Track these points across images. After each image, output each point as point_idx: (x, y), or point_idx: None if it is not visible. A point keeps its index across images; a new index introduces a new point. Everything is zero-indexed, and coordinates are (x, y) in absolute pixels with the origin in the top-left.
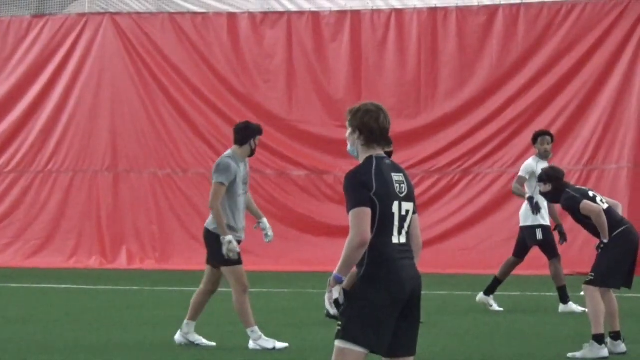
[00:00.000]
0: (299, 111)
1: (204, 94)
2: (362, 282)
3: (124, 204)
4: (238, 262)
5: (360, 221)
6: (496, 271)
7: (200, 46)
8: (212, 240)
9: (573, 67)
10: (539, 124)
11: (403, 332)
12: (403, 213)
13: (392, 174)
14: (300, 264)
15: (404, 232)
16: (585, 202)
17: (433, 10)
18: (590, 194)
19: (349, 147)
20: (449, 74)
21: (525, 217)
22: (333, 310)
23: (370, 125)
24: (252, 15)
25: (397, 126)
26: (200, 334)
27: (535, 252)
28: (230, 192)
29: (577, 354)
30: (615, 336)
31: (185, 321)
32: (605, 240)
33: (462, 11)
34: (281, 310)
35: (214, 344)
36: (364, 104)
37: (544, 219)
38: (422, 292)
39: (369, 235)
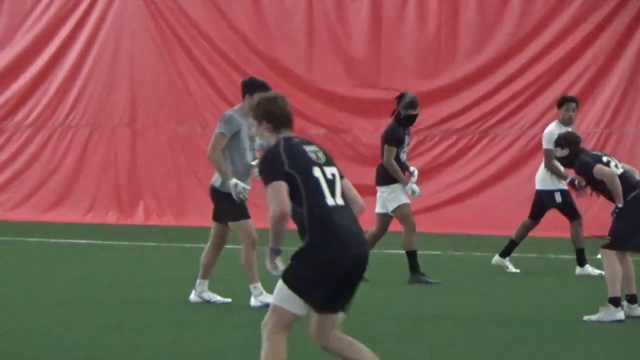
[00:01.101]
0: (318, 70)
1: (224, 51)
2: (307, 247)
3: (142, 160)
4: (245, 216)
5: (276, 193)
6: (512, 233)
7: (221, 3)
8: (219, 197)
9: (592, 30)
10: (558, 86)
11: (339, 291)
12: (329, 177)
13: (304, 146)
14: None
15: (337, 194)
16: (598, 166)
17: None
18: (604, 159)
19: (257, 140)
20: (469, 35)
21: (542, 180)
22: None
23: (274, 112)
24: None
25: (416, 87)
26: (214, 291)
27: (552, 214)
28: (234, 145)
29: (593, 317)
30: (632, 299)
31: (198, 280)
32: (620, 205)
33: None
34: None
35: (229, 300)
36: (263, 94)
37: (563, 183)
38: (439, 252)
39: (288, 205)
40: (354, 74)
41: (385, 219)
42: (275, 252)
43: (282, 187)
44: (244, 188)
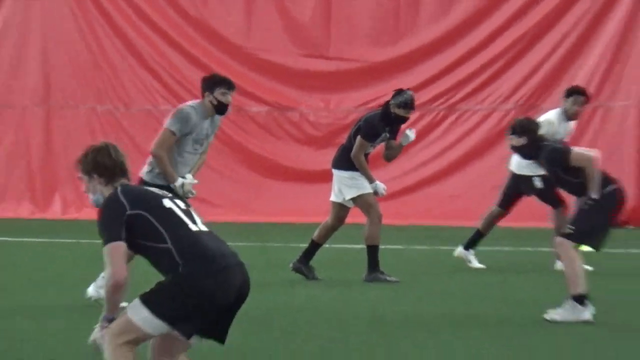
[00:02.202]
0: (259, 38)
1: (151, 17)
2: (182, 279)
3: (57, 145)
4: None
5: (112, 258)
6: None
7: None
8: None
9: None
10: (534, 56)
11: (218, 321)
12: (182, 207)
13: (145, 188)
14: (261, 215)
15: (198, 222)
16: (576, 150)
17: None
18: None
19: (91, 197)
20: None
21: (519, 164)
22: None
23: (105, 163)
24: None
25: (372, 55)
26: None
27: (529, 202)
28: (179, 144)
29: (556, 316)
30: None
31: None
32: (595, 196)
33: None
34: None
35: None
36: (91, 146)
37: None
38: (400, 246)
39: (124, 273)
40: (300, 42)
41: (341, 209)
42: (110, 322)
43: (118, 250)
44: (189, 186)
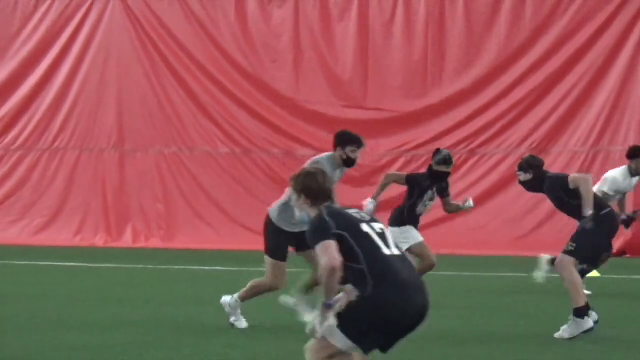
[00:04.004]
0: (306, 91)
1: (211, 72)
2: (371, 299)
3: (130, 183)
4: (282, 257)
5: (326, 251)
6: (502, 252)
7: (208, 24)
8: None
9: (580, 48)
10: (545, 106)
11: (395, 339)
12: (378, 231)
13: (345, 210)
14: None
15: (391, 245)
16: (574, 175)
17: None
18: None
19: (297, 213)
20: (456, 55)
21: None
22: (321, 334)
23: (312, 187)
24: None
25: (403, 106)
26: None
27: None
28: None
29: (565, 335)
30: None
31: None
32: (589, 212)
33: None
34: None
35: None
36: (304, 168)
37: None
38: (431, 272)
39: (338, 260)
40: (341, 95)
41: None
42: (328, 307)
43: (330, 245)
44: None
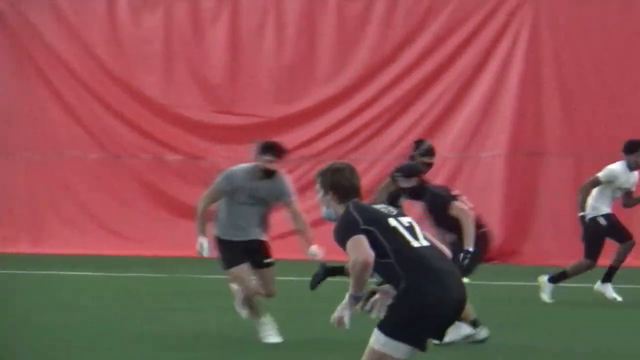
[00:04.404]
0: (175, 96)
1: (82, 77)
2: (404, 294)
3: None
4: (240, 261)
5: (356, 244)
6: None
7: (78, 27)
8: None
9: (451, 53)
10: (416, 111)
11: (437, 330)
12: (406, 224)
13: (373, 205)
14: (173, 249)
15: (420, 237)
16: (458, 206)
17: None
18: (454, 192)
19: (324, 211)
20: (326, 61)
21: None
22: (347, 327)
23: (341, 183)
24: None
25: (274, 111)
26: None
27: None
28: (230, 200)
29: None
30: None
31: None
32: (471, 249)
33: None
34: (153, 294)
35: None
36: (332, 163)
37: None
38: (284, 278)
39: (370, 254)
40: (212, 100)
41: None
42: (355, 299)
43: (361, 239)
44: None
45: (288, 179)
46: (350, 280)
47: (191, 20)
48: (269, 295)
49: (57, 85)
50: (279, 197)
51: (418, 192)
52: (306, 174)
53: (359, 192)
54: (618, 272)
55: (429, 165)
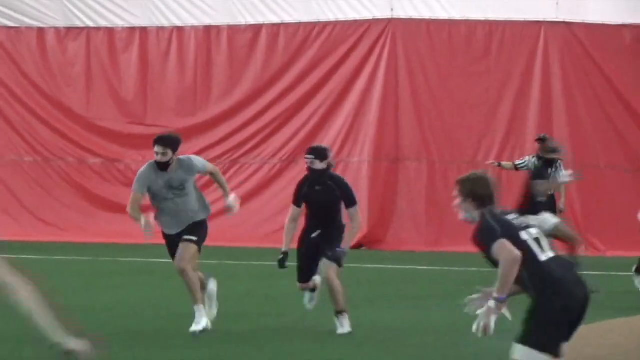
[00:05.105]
0: (95, 110)
1: (17, 94)
2: (538, 305)
3: None
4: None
5: (503, 247)
6: (259, 244)
7: (14, 54)
8: None
9: (325, 75)
10: (296, 123)
11: (570, 334)
12: (534, 236)
13: (505, 216)
14: (94, 236)
15: (545, 249)
16: (353, 209)
17: (207, 28)
18: None
19: (462, 214)
20: (221, 82)
21: None
22: (491, 331)
23: (480, 192)
24: (57, 30)
25: (177, 123)
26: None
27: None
28: (154, 199)
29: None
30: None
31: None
32: (348, 247)
33: (232, 29)
34: (76, 274)
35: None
36: (473, 173)
37: None
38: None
39: (518, 253)
40: (125, 113)
41: None
42: (502, 301)
43: (505, 242)
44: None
45: (192, 158)
46: (496, 283)
47: (108, 47)
48: (177, 269)
49: None
50: (189, 173)
51: (325, 174)
52: (203, 176)
53: (494, 200)
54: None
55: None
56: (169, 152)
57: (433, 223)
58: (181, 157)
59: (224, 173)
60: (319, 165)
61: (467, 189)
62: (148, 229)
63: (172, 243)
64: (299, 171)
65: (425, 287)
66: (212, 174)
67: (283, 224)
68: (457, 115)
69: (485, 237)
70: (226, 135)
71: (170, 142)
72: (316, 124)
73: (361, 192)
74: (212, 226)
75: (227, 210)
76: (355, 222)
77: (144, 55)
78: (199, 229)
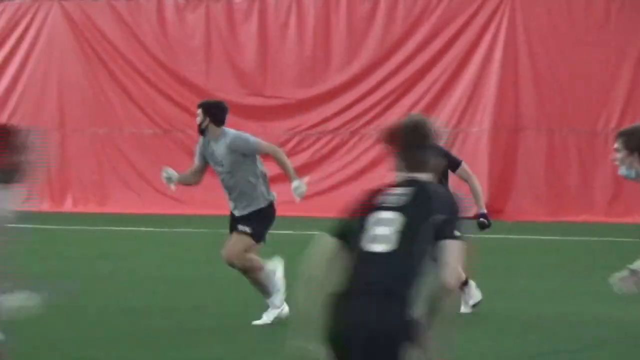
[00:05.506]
0: (215, 81)
1: (137, 66)
2: None
3: (70, 158)
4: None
5: None
6: None
7: (134, 27)
8: None
9: (444, 45)
10: (415, 94)
11: None
12: None
13: None
14: (217, 208)
15: None
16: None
17: None
18: None
19: (623, 170)
20: (340, 52)
21: None
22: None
23: None
24: (176, 2)
25: (296, 94)
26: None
27: None
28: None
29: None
30: None
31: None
32: None
33: None
34: (189, 247)
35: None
36: (637, 125)
37: None
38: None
39: None
40: (245, 84)
41: None
42: None
43: None
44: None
45: (239, 135)
46: None
47: (226, 18)
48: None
49: (117, 74)
50: (232, 151)
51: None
52: (323, 147)
53: None
54: None
55: None
56: (203, 115)
57: (553, 192)
58: (229, 131)
59: (344, 144)
60: None
61: (633, 142)
62: (169, 181)
63: (231, 222)
64: None
65: (548, 256)
66: (271, 154)
67: None
68: (576, 84)
69: None
70: (346, 106)
71: (207, 106)
72: (435, 94)
73: (481, 162)
74: (325, 200)
75: (295, 194)
76: None
77: (262, 26)
78: (254, 219)
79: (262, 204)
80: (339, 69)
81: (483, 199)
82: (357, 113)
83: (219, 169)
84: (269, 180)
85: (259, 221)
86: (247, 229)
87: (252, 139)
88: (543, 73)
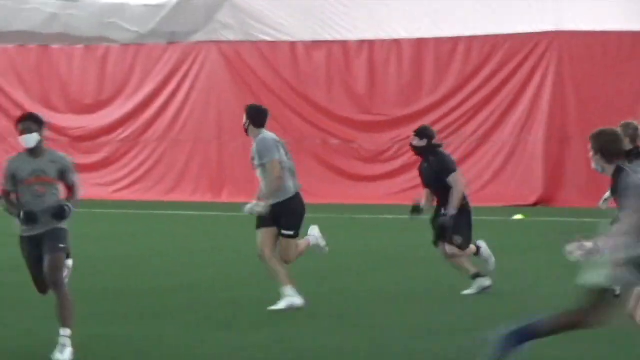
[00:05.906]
0: (335, 103)
1: (276, 92)
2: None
3: (227, 161)
4: (258, 227)
5: None
6: None
7: (274, 62)
8: None
9: (510, 72)
10: (487, 112)
11: None
12: None
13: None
14: (335, 198)
15: None
16: (455, 177)
17: (418, 40)
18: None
19: (593, 164)
20: (429, 80)
21: None
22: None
23: (608, 147)
24: (304, 42)
25: (397, 112)
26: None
27: None
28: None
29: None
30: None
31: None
32: (454, 212)
33: (438, 41)
34: None
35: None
36: (603, 129)
37: None
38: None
39: None
40: (356, 104)
41: None
42: None
43: None
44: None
45: (265, 138)
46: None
47: (343, 54)
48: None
49: (261, 98)
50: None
51: (425, 152)
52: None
53: (623, 153)
54: None
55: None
56: (245, 117)
57: (592, 186)
58: (263, 134)
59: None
60: (419, 142)
61: (597, 143)
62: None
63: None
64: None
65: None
66: (268, 170)
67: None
68: (609, 103)
69: (632, 192)
70: (434, 121)
71: (248, 110)
72: (502, 111)
73: (537, 163)
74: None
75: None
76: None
77: (370, 60)
78: (289, 216)
79: (289, 195)
80: (429, 93)
81: None
82: (442, 126)
83: (254, 163)
84: (296, 173)
85: (295, 219)
86: (291, 233)
87: (265, 150)
88: (584, 94)
